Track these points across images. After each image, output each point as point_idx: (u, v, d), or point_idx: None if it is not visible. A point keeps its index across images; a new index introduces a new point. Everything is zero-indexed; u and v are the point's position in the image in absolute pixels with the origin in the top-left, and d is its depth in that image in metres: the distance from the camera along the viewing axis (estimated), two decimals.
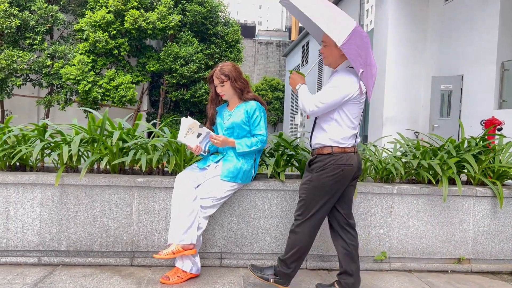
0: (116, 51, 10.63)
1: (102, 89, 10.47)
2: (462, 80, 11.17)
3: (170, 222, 3.12)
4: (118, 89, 10.47)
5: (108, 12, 10.40)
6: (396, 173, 3.53)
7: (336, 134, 2.75)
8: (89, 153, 3.54)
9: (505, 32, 9.75)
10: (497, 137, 3.87)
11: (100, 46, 10.23)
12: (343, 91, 2.69)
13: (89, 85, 10.08)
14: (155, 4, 11.13)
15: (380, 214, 3.48)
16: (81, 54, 10.52)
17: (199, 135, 3.18)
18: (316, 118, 2.87)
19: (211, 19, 12.04)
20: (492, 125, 7.94)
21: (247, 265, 3.41)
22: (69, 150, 3.21)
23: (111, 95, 10.48)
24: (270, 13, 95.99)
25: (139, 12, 10.49)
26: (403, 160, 3.64)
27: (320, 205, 2.79)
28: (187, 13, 11.73)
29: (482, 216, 3.54)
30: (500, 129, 8.06)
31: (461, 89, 11.19)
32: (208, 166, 3.31)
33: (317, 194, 2.77)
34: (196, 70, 11.26)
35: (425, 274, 3.47)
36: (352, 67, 2.77)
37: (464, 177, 3.86)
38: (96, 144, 3.47)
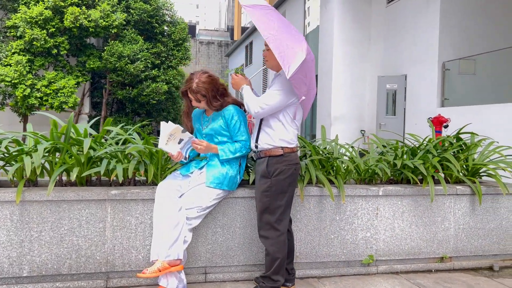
0: (55, 50, 9.87)
1: (40, 93, 9.65)
2: (406, 79, 11.60)
3: (152, 237, 2.84)
4: (59, 94, 9.70)
5: (46, 8, 9.62)
6: (382, 174, 3.47)
7: (283, 135, 2.81)
8: (50, 165, 3.15)
9: (445, 33, 10.23)
10: (469, 135, 3.94)
11: (38, 44, 9.43)
12: (286, 94, 2.73)
13: (28, 90, 9.25)
14: (97, 0, 10.47)
15: (366, 217, 3.41)
16: (13, 53, 9.64)
17: (180, 141, 2.93)
18: (260, 121, 2.88)
19: (157, 18, 11.57)
20: (439, 122, 8.29)
21: (233, 278, 3.21)
22: (32, 162, 2.81)
23: (50, 101, 9.68)
24: (207, 13, 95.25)
25: (80, 9, 9.82)
26: (386, 161, 3.59)
27: (284, 207, 2.83)
28: (131, 11, 11.18)
29: (462, 214, 3.58)
30: (446, 126, 8.42)
31: (405, 88, 11.62)
32: (192, 173, 3.06)
33: (279, 198, 2.81)
34: (143, 69, 10.74)
35: (412, 275, 3.45)
36: None
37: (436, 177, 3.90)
38: (60, 153, 3.08)
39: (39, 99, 9.72)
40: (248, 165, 3.43)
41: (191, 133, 3.13)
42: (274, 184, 2.79)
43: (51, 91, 9.71)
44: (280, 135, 2.81)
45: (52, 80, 9.83)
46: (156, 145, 3.28)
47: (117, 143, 3.38)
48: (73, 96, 9.87)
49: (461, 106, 9.59)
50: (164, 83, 11.41)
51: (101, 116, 12.21)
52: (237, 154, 2.98)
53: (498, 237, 3.66)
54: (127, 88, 11.46)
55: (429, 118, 8.72)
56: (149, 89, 10.88)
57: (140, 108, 12.22)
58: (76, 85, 10.24)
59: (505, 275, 3.50)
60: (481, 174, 3.76)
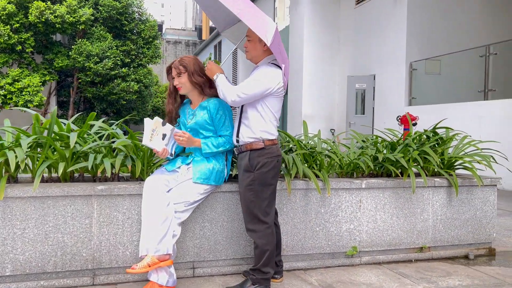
0: (20, 47, 9.54)
1: (3, 91, 9.30)
2: (374, 79, 11.90)
3: (141, 232, 2.81)
4: (23, 93, 9.37)
5: (9, 3, 9.28)
6: (365, 168, 3.56)
7: (263, 128, 2.84)
8: (31, 160, 3.05)
9: (412, 34, 10.58)
10: (444, 130, 4.10)
11: (1, 40, 9.10)
12: (265, 84, 2.77)
13: None
14: None
15: (350, 209, 3.49)
16: None
17: (164, 136, 2.90)
18: (240, 115, 2.92)
19: (127, 15, 11.38)
20: (407, 120, 8.56)
21: (221, 272, 3.21)
22: (16, 157, 2.71)
23: (14, 99, 9.34)
24: (173, 12, 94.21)
25: (45, 4, 9.53)
26: (367, 154, 3.69)
27: (269, 200, 2.86)
28: (100, 8, 10.95)
29: (440, 205, 3.73)
30: (415, 124, 8.70)
31: (374, 87, 11.92)
32: (179, 168, 3.04)
33: (263, 190, 2.83)
34: (112, 66, 10.54)
35: (394, 265, 3.56)
36: (273, 63, 2.88)
37: (415, 170, 4.03)
38: (42, 149, 3.00)
39: (2, 97, 9.36)
40: (233, 159, 3.44)
41: (171, 119, 3.11)
42: (258, 177, 2.80)
43: (16, 90, 9.38)
44: (260, 127, 2.82)
45: (16, 78, 9.49)
46: (141, 141, 3.25)
47: (100, 138, 3.32)
48: (39, 94, 9.58)
49: (427, 105, 9.95)
50: (135, 82, 11.24)
51: (67, 115, 11.89)
52: (220, 149, 2.98)
53: (473, 227, 3.83)
54: (98, 85, 11.21)
55: (398, 117, 9.01)
56: (119, 87, 10.69)
57: (110, 107, 11.99)
58: (41, 84, 9.92)
59: (480, 262, 3.67)
60: (456, 167, 3.92)
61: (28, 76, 9.59)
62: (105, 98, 11.19)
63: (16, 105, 9.42)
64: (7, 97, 9.38)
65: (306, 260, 3.42)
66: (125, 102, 11.24)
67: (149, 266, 2.70)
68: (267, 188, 2.82)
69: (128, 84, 10.74)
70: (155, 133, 2.85)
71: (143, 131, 2.91)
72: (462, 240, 3.82)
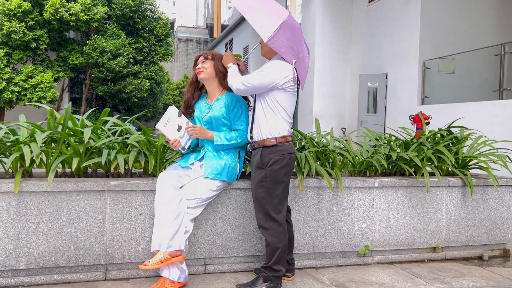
0: (35, 44, 9.63)
1: (18, 87, 9.40)
2: (386, 78, 11.79)
3: (153, 228, 2.81)
4: (37, 89, 9.46)
5: (25, 0, 9.37)
6: (378, 166, 3.53)
7: (275, 125, 2.83)
8: (46, 155, 3.07)
9: (426, 32, 10.46)
10: (459, 129, 4.05)
11: (16, 37, 9.18)
12: (269, 77, 2.77)
13: (4, 83, 8.99)
14: None
15: (363, 208, 3.47)
16: None
17: (179, 128, 2.92)
18: (253, 112, 2.93)
19: (139, 13, 11.43)
20: (420, 119, 8.47)
21: (232, 269, 3.21)
22: (31, 152, 2.74)
23: (28, 96, 9.44)
24: (184, 10, 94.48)
25: (60, 1, 9.60)
26: (381, 153, 3.65)
27: (280, 197, 2.84)
28: (113, 6, 11.01)
29: (454, 205, 3.68)
30: (428, 123, 8.61)
31: (386, 86, 11.82)
32: (192, 164, 3.04)
33: (275, 188, 2.82)
34: (125, 64, 10.60)
35: (406, 264, 3.52)
36: (283, 59, 2.87)
37: (429, 169, 3.99)
38: (56, 144, 3.02)
39: (17, 94, 9.47)
40: (246, 157, 3.43)
41: (188, 107, 3.14)
42: (269, 174, 2.80)
43: (30, 86, 9.48)
44: (272, 123, 2.82)
45: (30, 75, 9.59)
46: (154, 137, 3.27)
47: (113, 134, 3.33)
48: (52, 90, 9.66)
49: (440, 104, 9.84)
50: (146, 79, 11.29)
51: (80, 111, 11.99)
52: (232, 142, 2.98)
53: (487, 228, 3.77)
54: (109, 83, 11.28)
55: (410, 116, 8.92)
56: (132, 86, 10.75)
57: (121, 104, 12.06)
58: (53, 80, 10.01)
59: (494, 264, 3.62)
60: (470, 167, 3.86)
61: (42, 72, 9.67)
62: (117, 95, 11.26)
63: (30, 101, 9.52)
64: (22, 93, 9.47)
65: (318, 259, 3.41)
66: (136, 100, 11.28)
67: (162, 262, 2.71)
68: (279, 185, 2.81)
69: (139, 81, 10.78)
70: (170, 121, 2.88)
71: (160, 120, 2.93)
72: (476, 240, 3.77)
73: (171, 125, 2.88)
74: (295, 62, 2.83)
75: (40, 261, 2.84)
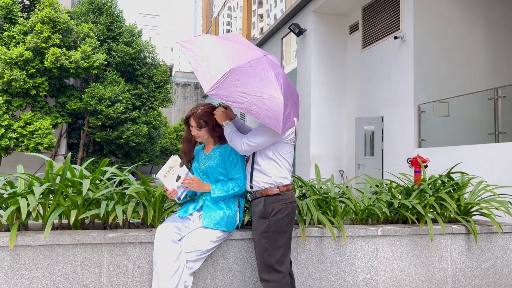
0: (34, 91, 9.74)
1: (16, 134, 9.42)
2: (382, 121, 11.92)
3: (152, 282, 2.72)
4: (34, 135, 9.48)
5: (27, 49, 9.56)
6: (380, 214, 3.48)
7: (277, 173, 2.80)
8: (43, 207, 3.02)
9: (419, 76, 10.67)
10: (459, 175, 4.03)
11: (17, 85, 9.30)
12: (272, 132, 2.72)
13: (2, 130, 9.01)
14: (78, 42, 10.49)
15: (366, 258, 3.38)
16: None
17: (178, 178, 2.90)
18: (252, 161, 2.88)
19: (139, 60, 11.66)
20: (418, 163, 8.47)
21: None
22: (28, 205, 2.69)
23: (25, 142, 9.45)
24: (182, 56, 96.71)
25: (61, 50, 9.80)
26: (383, 200, 3.61)
27: (284, 248, 2.78)
28: (113, 53, 11.23)
29: (459, 253, 3.60)
30: (426, 166, 8.61)
31: (382, 129, 11.92)
32: (191, 215, 2.99)
33: (279, 238, 2.76)
34: (123, 110, 10.69)
35: None
36: None
37: (431, 216, 3.94)
38: (54, 195, 2.97)
39: (14, 140, 9.47)
40: (245, 206, 3.38)
41: (191, 157, 3.11)
42: (273, 224, 2.75)
43: (27, 132, 9.50)
44: (274, 173, 2.80)
45: (28, 121, 9.63)
46: (153, 187, 3.23)
47: (112, 184, 3.30)
48: (49, 136, 9.66)
49: (437, 147, 9.88)
50: (144, 124, 11.36)
51: (77, 157, 11.96)
52: (230, 192, 2.94)
53: (494, 277, 3.68)
54: (107, 130, 11.33)
55: (408, 159, 8.93)
56: (129, 132, 10.80)
57: (118, 149, 12.05)
58: (52, 126, 10.05)
59: None
60: (472, 213, 3.82)
61: (40, 119, 9.72)
62: (114, 141, 11.27)
63: (27, 148, 9.51)
64: (19, 140, 9.47)
65: None
66: (134, 144, 11.29)
67: None
68: (282, 235, 2.75)
69: (138, 127, 10.83)
70: (171, 172, 2.86)
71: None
72: None
73: (171, 175, 2.86)
74: (295, 120, 2.81)
75: None
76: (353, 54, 13.38)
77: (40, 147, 9.37)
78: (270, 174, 2.80)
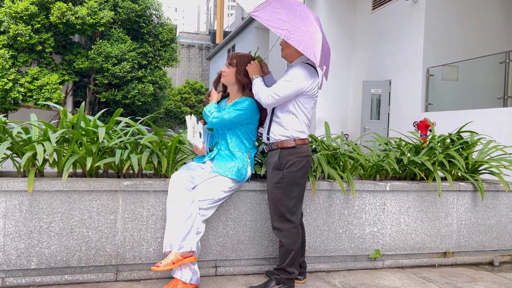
0: (40, 47, 9.66)
1: (23, 88, 9.42)
2: (390, 84, 11.82)
3: (165, 228, 2.80)
4: (43, 90, 9.49)
5: (32, 4, 9.41)
6: (390, 169, 3.52)
7: (295, 127, 2.83)
8: (57, 155, 3.07)
9: (429, 39, 10.50)
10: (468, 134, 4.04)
11: (22, 40, 9.22)
12: (297, 85, 2.75)
13: (10, 84, 9.01)
14: None
15: (374, 212, 3.45)
16: None
17: (200, 135, 2.99)
18: (272, 113, 2.91)
19: (145, 18, 11.47)
20: (424, 126, 8.46)
21: (243, 272, 3.19)
22: (44, 151, 2.73)
23: (35, 96, 9.47)
24: (186, 16, 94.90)
25: (67, 5, 9.65)
26: (392, 156, 3.65)
27: (296, 199, 2.85)
28: (119, 10, 11.05)
29: (464, 210, 3.67)
30: (431, 130, 8.57)
31: (389, 93, 11.84)
32: (204, 163, 3.05)
33: (292, 189, 2.82)
34: (129, 69, 10.62)
35: (417, 269, 3.50)
36: (307, 63, 2.83)
37: (440, 173, 3.98)
38: (69, 144, 3.01)
39: (22, 94, 9.48)
40: (258, 159, 3.42)
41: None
42: (287, 176, 2.80)
43: (35, 87, 9.50)
44: (292, 126, 2.82)
45: (35, 76, 9.61)
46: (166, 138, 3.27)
47: (124, 135, 3.33)
48: (58, 92, 9.68)
49: (444, 111, 9.84)
50: (150, 84, 11.31)
51: None
52: (207, 112, 3.02)
53: (498, 233, 3.76)
54: (112, 89, 11.29)
55: (414, 122, 8.91)
56: (135, 91, 10.76)
57: (125, 109, 12.06)
58: (59, 82, 10.04)
59: (505, 269, 3.60)
60: (480, 172, 3.85)
61: (47, 74, 9.69)
62: (120, 101, 11.26)
63: (36, 103, 9.53)
64: (27, 94, 9.49)
65: (329, 262, 3.39)
66: (140, 104, 11.29)
67: (173, 264, 2.69)
68: (296, 187, 2.81)
69: (144, 86, 10.80)
70: (195, 131, 2.93)
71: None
72: (487, 246, 3.75)
73: (196, 133, 2.94)
74: (325, 68, 2.80)
75: (52, 261, 2.82)
76: (362, 15, 13.11)
77: (49, 102, 9.40)
78: (288, 127, 2.82)
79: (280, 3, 2.67)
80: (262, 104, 2.85)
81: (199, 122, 3.00)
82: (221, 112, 2.98)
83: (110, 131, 3.27)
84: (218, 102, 3.16)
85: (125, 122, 3.33)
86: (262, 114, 3.10)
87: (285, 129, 2.82)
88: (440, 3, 10.48)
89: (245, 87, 3.01)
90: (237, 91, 3.06)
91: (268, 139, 2.91)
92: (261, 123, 3.14)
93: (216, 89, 3.18)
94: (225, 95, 3.21)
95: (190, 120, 2.89)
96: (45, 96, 9.27)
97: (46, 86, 9.33)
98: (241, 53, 3.05)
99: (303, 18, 2.70)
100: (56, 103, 9.53)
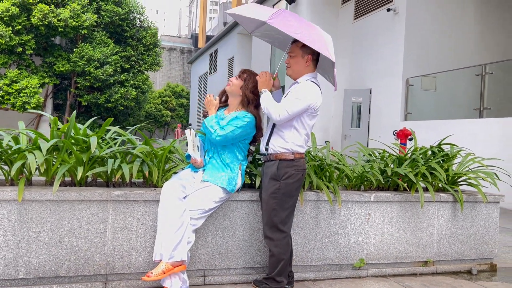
0: (20, 49, 9.51)
1: (1, 91, 9.25)
2: (370, 93, 12.05)
3: (156, 236, 2.83)
4: (21, 94, 9.33)
5: (13, 5, 9.26)
6: (374, 181, 3.62)
7: (295, 141, 2.92)
8: (47, 164, 3.05)
9: (409, 50, 10.76)
10: (448, 146, 4.19)
11: (2, 41, 9.06)
12: (307, 102, 2.85)
13: None
14: (66, 0, 10.19)
15: (359, 222, 3.55)
16: None
17: (198, 148, 3.04)
18: (273, 125, 2.99)
19: (128, 21, 11.41)
20: (404, 135, 8.66)
21: (232, 281, 3.23)
22: (36, 160, 2.72)
23: (12, 100, 9.30)
24: (167, 19, 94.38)
25: (49, 7, 9.53)
26: (376, 167, 3.75)
27: (289, 210, 2.94)
28: (102, 13, 10.97)
29: (445, 220, 3.80)
30: (411, 139, 8.80)
31: (370, 101, 12.07)
32: (196, 172, 3.09)
33: (286, 201, 2.91)
34: (112, 73, 10.54)
35: (399, 278, 3.61)
36: (312, 81, 2.93)
37: (422, 185, 4.10)
38: (59, 153, 3.01)
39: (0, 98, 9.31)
40: (248, 170, 3.47)
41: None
42: (283, 187, 2.88)
43: (13, 91, 9.33)
44: (292, 139, 2.91)
45: (14, 79, 9.45)
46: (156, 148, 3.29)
47: (114, 144, 3.34)
48: (36, 96, 9.53)
49: (422, 121, 10.10)
50: (133, 88, 11.24)
51: (63, 118, 11.83)
52: (208, 127, 3.04)
53: (476, 243, 3.90)
54: (94, 92, 11.18)
55: (394, 131, 9.11)
56: (117, 95, 10.68)
57: (106, 112, 11.95)
58: (39, 86, 9.89)
59: (483, 278, 3.74)
60: (459, 183, 4.00)
61: (27, 77, 9.53)
62: (102, 104, 11.15)
63: (13, 106, 9.36)
64: (5, 97, 9.31)
65: (315, 271, 3.46)
66: (122, 108, 11.21)
67: (164, 273, 2.73)
68: (290, 198, 2.90)
69: (126, 90, 10.73)
70: (194, 144, 2.99)
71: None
72: (466, 255, 3.89)
73: (196, 147, 3.02)
74: (335, 70, 2.94)
75: (40, 271, 2.81)
76: (344, 24, 13.33)
77: (27, 106, 9.24)
78: (288, 140, 2.91)
79: (287, 14, 2.86)
80: (271, 119, 2.91)
81: (196, 135, 3.05)
82: (224, 128, 3.00)
83: (99, 140, 3.27)
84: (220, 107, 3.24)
85: (116, 131, 3.34)
86: (258, 133, 3.17)
87: (286, 141, 2.91)
88: (420, 16, 10.77)
89: (249, 103, 3.08)
90: (238, 104, 3.13)
91: (266, 149, 2.97)
92: (253, 141, 3.21)
93: (220, 101, 3.22)
94: (223, 104, 3.26)
95: (190, 134, 2.94)
96: (22, 101, 9.11)
97: (25, 89, 9.17)
98: (252, 71, 3.15)
99: (310, 26, 2.89)
100: (34, 107, 9.38)
